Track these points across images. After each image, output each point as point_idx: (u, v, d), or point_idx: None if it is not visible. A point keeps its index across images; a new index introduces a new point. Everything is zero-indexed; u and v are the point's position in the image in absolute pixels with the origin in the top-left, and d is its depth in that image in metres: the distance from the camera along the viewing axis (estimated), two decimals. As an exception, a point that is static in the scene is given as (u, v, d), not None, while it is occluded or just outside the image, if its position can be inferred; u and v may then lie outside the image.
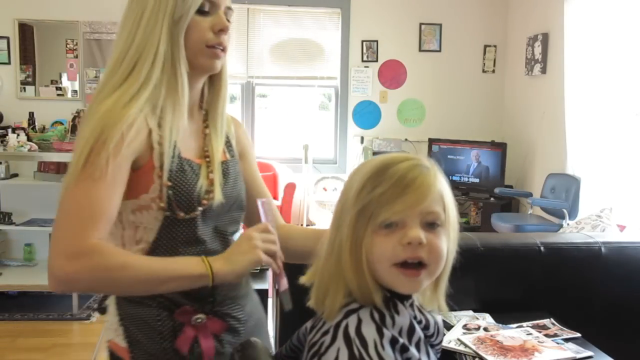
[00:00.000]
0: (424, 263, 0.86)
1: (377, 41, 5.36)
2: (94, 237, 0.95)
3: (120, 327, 1.11)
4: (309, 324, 0.97)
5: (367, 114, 5.44)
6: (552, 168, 4.48)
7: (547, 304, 1.94)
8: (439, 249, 0.87)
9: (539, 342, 1.65)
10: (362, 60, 5.38)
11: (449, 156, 5.13)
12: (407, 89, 5.44)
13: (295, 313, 1.06)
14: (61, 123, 4.69)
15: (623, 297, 2.01)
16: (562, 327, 1.79)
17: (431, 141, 5.23)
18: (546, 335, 1.71)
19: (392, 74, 5.42)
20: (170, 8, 1.05)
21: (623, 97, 3.67)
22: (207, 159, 1.14)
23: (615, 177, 3.76)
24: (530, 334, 1.71)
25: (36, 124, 4.40)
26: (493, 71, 5.49)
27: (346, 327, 0.87)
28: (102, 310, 1.15)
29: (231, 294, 1.17)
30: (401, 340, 0.87)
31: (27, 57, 5.13)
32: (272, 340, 1.61)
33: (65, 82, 5.22)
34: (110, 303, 1.14)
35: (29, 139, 3.72)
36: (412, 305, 0.94)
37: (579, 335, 1.73)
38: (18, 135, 3.66)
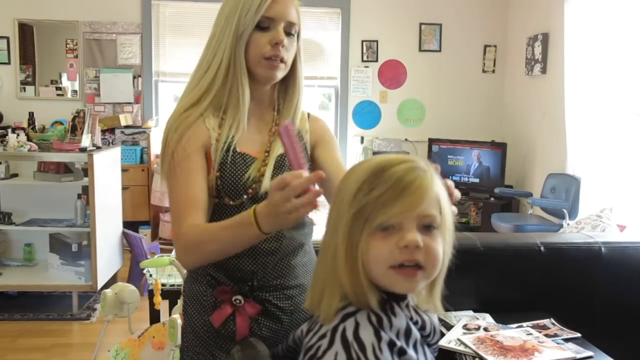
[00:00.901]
0: (420, 265, 0.86)
1: (377, 41, 5.36)
2: (186, 224, 1.12)
3: (183, 297, 1.31)
4: (305, 327, 0.97)
5: (367, 114, 5.44)
6: (552, 168, 4.48)
7: (547, 304, 1.94)
8: (435, 252, 0.87)
9: (539, 342, 1.65)
10: (362, 60, 5.38)
11: (449, 156, 5.13)
12: (407, 89, 5.44)
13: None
14: (61, 123, 4.69)
15: (623, 297, 2.01)
16: (562, 327, 1.79)
17: (431, 141, 5.23)
18: (546, 335, 1.71)
19: (392, 74, 5.42)
20: (235, 26, 1.19)
21: (623, 97, 3.67)
22: (266, 154, 1.25)
23: (615, 177, 3.76)
24: (530, 334, 1.71)
25: (36, 124, 4.40)
26: (493, 71, 5.49)
27: (344, 330, 0.86)
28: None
29: (275, 282, 1.23)
30: (399, 344, 0.86)
31: (27, 57, 5.13)
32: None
33: (65, 82, 5.22)
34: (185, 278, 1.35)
35: (29, 139, 3.72)
36: (407, 306, 0.93)
37: (579, 335, 1.73)
38: (18, 135, 3.66)
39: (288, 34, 1.25)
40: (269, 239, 1.20)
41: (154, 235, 4.99)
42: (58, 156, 3.62)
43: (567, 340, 1.70)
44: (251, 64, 1.21)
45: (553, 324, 1.82)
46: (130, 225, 4.37)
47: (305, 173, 0.94)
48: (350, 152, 5.43)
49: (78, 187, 3.73)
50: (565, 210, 3.99)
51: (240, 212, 1.12)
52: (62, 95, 5.20)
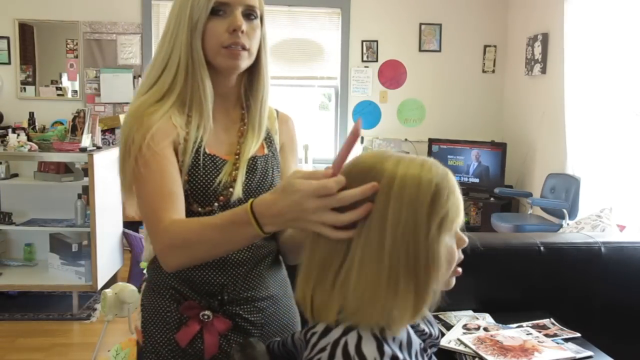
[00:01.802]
0: None
1: (377, 41, 5.36)
2: (167, 220, 1.01)
3: (140, 312, 1.19)
4: (302, 335, 0.93)
5: (367, 114, 5.43)
6: (552, 168, 4.48)
7: (547, 304, 1.95)
8: None
9: (539, 342, 1.65)
10: (362, 60, 5.38)
11: (449, 156, 5.13)
12: (407, 89, 5.44)
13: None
14: (61, 123, 4.69)
15: (623, 297, 2.01)
16: (562, 327, 1.79)
17: (431, 141, 5.23)
18: (546, 335, 1.71)
19: (392, 74, 5.42)
20: (188, 17, 1.10)
21: (623, 97, 3.67)
22: (237, 156, 1.16)
23: (615, 177, 3.76)
24: (530, 334, 1.71)
25: (36, 124, 4.40)
26: (493, 71, 5.49)
27: (345, 345, 0.83)
28: (139, 290, 1.23)
29: (245, 295, 1.15)
30: (401, 358, 0.85)
31: (27, 57, 5.13)
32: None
33: (65, 82, 5.22)
34: (141, 290, 1.23)
35: (29, 139, 3.72)
36: None
37: (579, 335, 1.74)
38: (18, 135, 3.66)
39: (248, 18, 1.12)
40: (240, 248, 1.12)
41: (154, 235, 4.98)
42: (58, 156, 3.62)
43: (567, 340, 1.70)
44: (210, 55, 1.11)
45: (553, 323, 1.82)
46: (130, 225, 4.36)
47: (341, 179, 0.82)
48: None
49: (78, 187, 3.73)
50: (565, 210, 3.99)
51: None
52: (63, 95, 5.20)
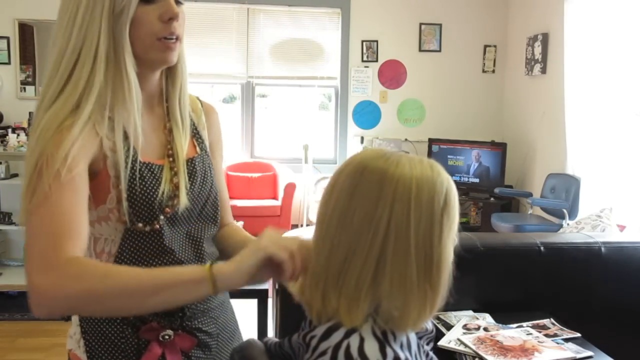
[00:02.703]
0: None
1: (377, 41, 5.36)
2: (67, 252, 0.84)
3: (81, 339, 1.04)
4: (301, 339, 0.92)
5: (367, 114, 5.43)
6: (552, 168, 4.48)
7: (547, 304, 1.94)
8: None
9: (539, 342, 1.65)
10: (362, 60, 5.38)
11: (449, 156, 5.13)
12: (407, 89, 5.44)
13: (296, 314, 1.05)
14: (61, 123, 4.69)
15: (623, 297, 2.01)
16: (562, 327, 1.79)
17: (431, 141, 5.23)
18: (546, 335, 1.71)
19: (392, 74, 5.42)
20: (109, 1, 0.94)
21: (623, 97, 3.67)
22: (171, 158, 1.05)
23: (615, 177, 3.76)
24: (530, 334, 1.71)
25: (36, 124, 4.40)
26: (493, 71, 5.49)
27: (347, 347, 0.83)
28: (66, 318, 1.08)
29: (202, 307, 1.09)
30: (403, 358, 0.85)
31: (27, 57, 5.13)
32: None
33: (65, 82, 5.22)
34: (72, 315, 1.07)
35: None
36: None
37: (579, 335, 1.73)
38: (18, 135, 3.66)
39: (177, 2, 0.99)
40: (192, 259, 1.07)
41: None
42: (58, 156, 3.62)
43: (567, 340, 1.70)
44: (140, 48, 0.97)
45: (553, 324, 1.82)
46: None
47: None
48: (350, 152, 5.43)
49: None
50: (565, 210, 3.99)
51: (156, 238, 1.00)
52: (62, 95, 5.20)
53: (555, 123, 4.40)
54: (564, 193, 4.16)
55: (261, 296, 2.31)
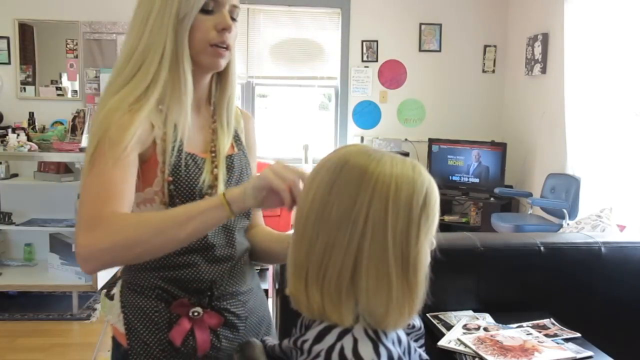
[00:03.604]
0: None
1: (377, 41, 5.36)
2: (111, 209, 0.97)
3: (121, 313, 1.15)
4: (291, 344, 0.92)
5: (367, 114, 5.44)
6: (552, 168, 4.48)
7: (547, 304, 1.95)
8: None
9: (539, 342, 1.65)
10: (362, 60, 5.38)
11: (449, 156, 5.13)
12: (407, 89, 5.44)
13: (296, 314, 1.05)
14: (61, 123, 4.69)
15: (623, 297, 2.01)
16: (562, 327, 1.79)
17: (431, 141, 5.23)
18: (546, 335, 1.71)
19: (392, 74, 5.42)
20: (176, 8, 1.07)
21: (623, 97, 3.67)
22: (213, 154, 1.17)
23: (615, 177, 3.76)
24: (530, 334, 1.71)
25: (36, 124, 4.40)
26: (493, 71, 5.49)
27: (341, 349, 0.83)
28: (110, 297, 1.19)
29: (231, 289, 1.17)
30: (395, 356, 0.85)
31: (27, 57, 5.13)
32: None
33: (65, 82, 5.21)
34: (116, 291, 1.19)
35: (29, 139, 3.72)
36: None
37: (579, 335, 1.73)
38: (18, 135, 3.66)
39: (232, 18, 1.14)
40: (222, 245, 1.16)
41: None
42: (58, 156, 3.62)
43: (567, 340, 1.70)
44: (194, 51, 1.10)
45: (553, 324, 1.82)
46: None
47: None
48: (350, 152, 5.43)
49: (78, 187, 3.72)
50: (565, 210, 3.99)
51: None
52: (62, 95, 5.20)
53: (555, 123, 4.40)
54: (564, 193, 4.16)
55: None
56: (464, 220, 4.98)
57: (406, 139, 5.42)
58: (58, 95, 5.18)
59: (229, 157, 1.20)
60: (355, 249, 0.83)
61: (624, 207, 3.54)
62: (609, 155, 3.81)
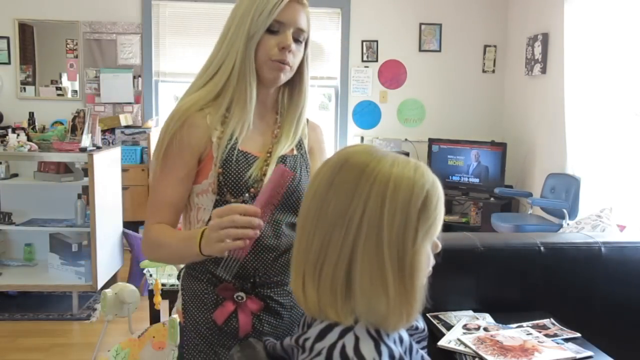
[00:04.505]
0: None
1: (377, 41, 5.36)
2: (155, 221, 1.24)
3: (180, 295, 1.34)
4: (293, 342, 0.91)
5: (367, 114, 5.44)
6: (552, 168, 4.48)
7: (547, 304, 1.95)
8: None
9: (539, 342, 1.65)
10: (362, 60, 5.38)
11: (449, 156, 5.13)
12: (407, 89, 5.44)
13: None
14: (61, 123, 4.69)
15: (623, 297, 2.01)
16: (562, 327, 1.79)
17: (431, 141, 5.23)
18: (546, 335, 1.71)
19: (392, 74, 5.42)
20: (247, 26, 1.22)
21: (623, 97, 3.67)
22: (268, 154, 1.28)
23: (615, 177, 3.76)
24: (530, 334, 1.71)
25: (36, 124, 4.39)
26: (493, 71, 5.49)
27: (343, 348, 0.82)
28: (178, 277, 1.38)
29: (276, 279, 1.26)
30: (397, 355, 0.85)
31: (27, 57, 5.13)
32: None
33: (65, 82, 5.22)
34: (181, 275, 1.37)
35: (29, 139, 3.72)
36: None
37: (579, 335, 1.74)
38: (18, 135, 3.66)
39: (296, 40, 1.25)
40: (268, 235, 1.24)
41: (154, 235, 4.98)
42: (58, 156, 3.62)
43: (567, 340, 1.70)
44: (258, 65, 1.24)
45: (553, 324, 1.82)
46: (130, 225, 4.37)
47: (258, 220, 1.03)
48: (350, 152, 5.43)
49: (78, 187, 3.73)
50: (565, 210, 3.99)
51: None
52: (62, 95, 5.20)
53: (555, 123, 4.40)
54: (564, 193, 4.16)
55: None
56: (464, 220, 4.98)
57: (406, 139, 5.42)
58: (58, 95, 5.18)
59: (282, 157, 1.29)
60: (350, 248, 0.82)
61: (624, 207, 3.54)
62: (609, 155, 3.81)
